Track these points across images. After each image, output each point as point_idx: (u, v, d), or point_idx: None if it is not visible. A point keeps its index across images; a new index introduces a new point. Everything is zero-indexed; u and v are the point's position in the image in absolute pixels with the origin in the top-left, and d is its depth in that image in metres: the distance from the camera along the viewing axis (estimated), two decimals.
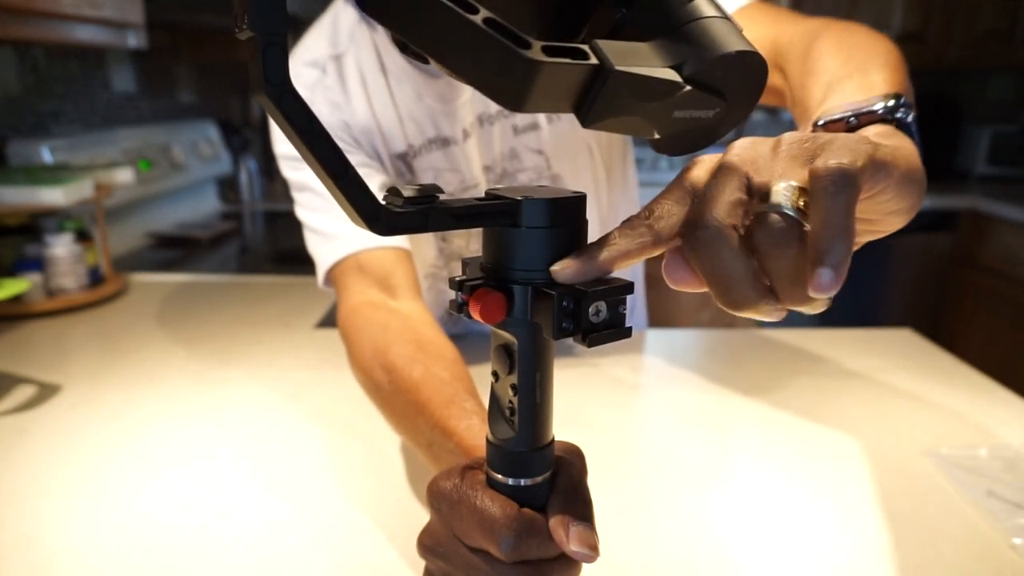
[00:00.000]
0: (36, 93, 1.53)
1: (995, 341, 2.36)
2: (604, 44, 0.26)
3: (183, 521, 0.60)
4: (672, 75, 0.27)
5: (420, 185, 0.30)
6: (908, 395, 0.84)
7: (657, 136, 0.29)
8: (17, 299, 1.13)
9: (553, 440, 0.36)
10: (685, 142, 0.30)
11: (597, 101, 0.26)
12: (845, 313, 2.65)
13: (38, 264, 1.18)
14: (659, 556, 0.56)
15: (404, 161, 0.82)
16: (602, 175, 0.89)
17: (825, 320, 2.67)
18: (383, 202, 0.28)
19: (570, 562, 0.35)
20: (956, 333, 2.54)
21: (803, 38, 0.58)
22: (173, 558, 0.55)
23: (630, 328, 0.32)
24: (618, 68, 0.25)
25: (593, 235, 0.31)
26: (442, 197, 0.30)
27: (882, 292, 2.63)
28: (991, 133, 2.84)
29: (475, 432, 0.49)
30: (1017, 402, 0.82)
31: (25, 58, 1.50)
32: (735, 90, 0.28)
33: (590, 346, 0.31)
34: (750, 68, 0.28)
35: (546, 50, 0.25)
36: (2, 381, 0.89)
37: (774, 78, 0.61)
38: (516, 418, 0.34)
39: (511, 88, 0.25)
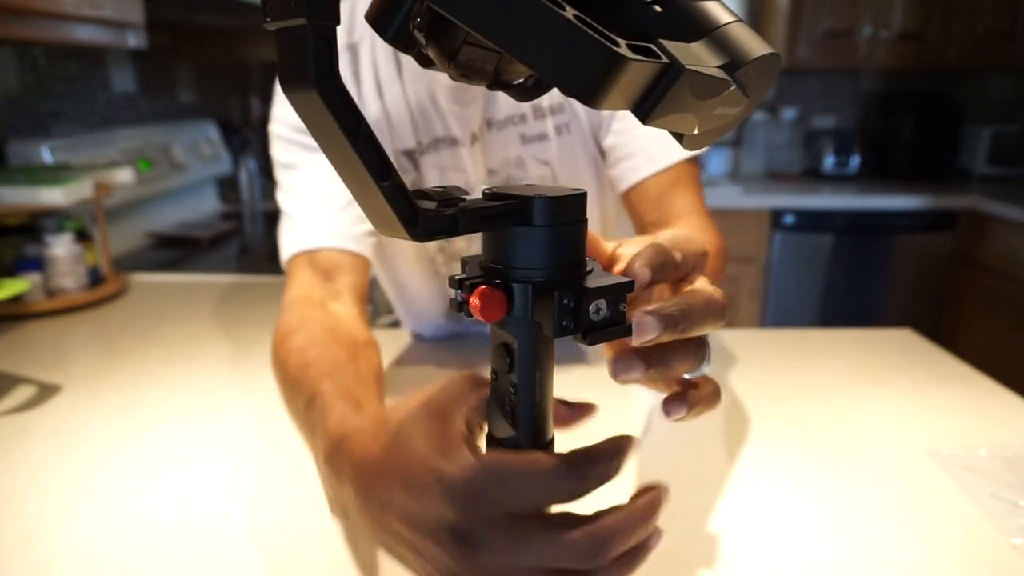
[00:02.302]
0: (36, 93, 1.53)
1: (995, 341, 2.36)
2: (666, 43, 0.27)
3: (183, 521, 0.60)
4: (724, 75, 0.28)
5: (443, 187, 0.30)
6: (908, 395, 0.84)
7: (696, 132, 0.30)
8: (17, 299, 1.13)
9: (553, 439, 0.36)
10: (708, 137, 0.32)
11: (663, 99, 0.26)
12: (845, 313, 2.65)
13: (38, 264, 1.18)
14: (659, 556, 0.56)
15: (411, 158, 0.82)
16: (608, 189, 0.89)
17: (825, 320, 2.67)
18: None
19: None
20: (956, 333, 2.54)
21: (686, 217, 0.78)
22: (173, 558, 0.55)
23: (630, 325, 0.32)
24: (688, 67, 0.26)
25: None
26: (465, 199, 0.30)
27: (882, 292, 2.63)
28: (991, 133, 2.84)
29: (333, 394, 0.47)
30: (1017, 402, 0.82)
31: (25, 58, 1.50)
32: (756, 88, 0.30)
33: (590, 344, 0.31)
34: (771, 68, 0.30)
35: (630, 48, 0.25)
36: (2, 381, 0.89)
37: (646, 219, 0.81)
38: (516, 417, 0.34)
39: (593, 84, 0.25)
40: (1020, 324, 2.25)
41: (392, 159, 0.80)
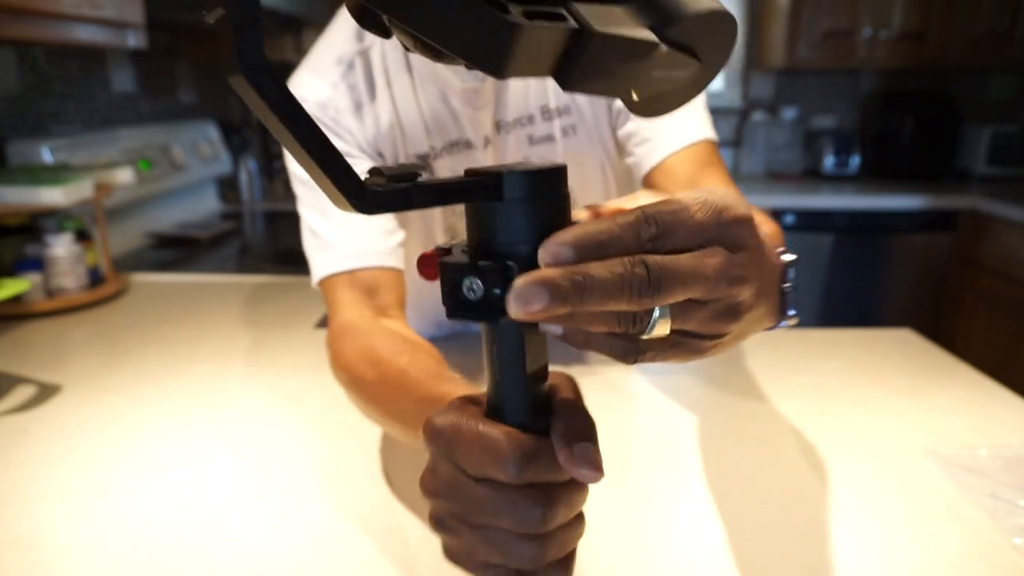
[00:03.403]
0: (36, 93, 1.53)
1: (995, 341, 2.36)
2: (580, 7, 0.26)
3: (183, 521, 0.60)
4: (650, 36, 0.27)
5: (401, 165, 0.29)
6: (908, 395, 0.84)
7: (636, 99, 0.30)
8: (17, 299, 1.13)
9: (538, 419, 0.34)
10: (662, 104, 0.31)
11: (579, 64, 0.26)
12: (845, 313, 2.65)
13: (38, 264, 1.18)
14: (659, 555, 0.56)
15: (424, 163, 0.82)
16: (613, 192, 0.89)
17: (825, 320, 2.67)
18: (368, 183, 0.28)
19: (577, 487, 0.34)
20: (956, 333, 2.54)
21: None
22: (173, 558, 0.55)
23: (497, 311, 0.29)
24: (598, 30, 0.25)
25: None
26: (423, 177, 0.30)
27: (882, 292, 2.63)
28: (991, 133, 2.84)
29: (460, 386, 0.49)
30: (1017, 402, 0.82)
31: (25, 58, 1.50)
32: (708, 50, 0.29)
33: (449, 318, 0.31)
34: (722, 28, 0.29)
35: (526, 14, 0.25)
36: (2, 381, 0.89)
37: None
38: (489, 389, 0.34)
39: (493, 53, 0.25)
40: (1020, 324, 2.25)
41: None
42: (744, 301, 0.33)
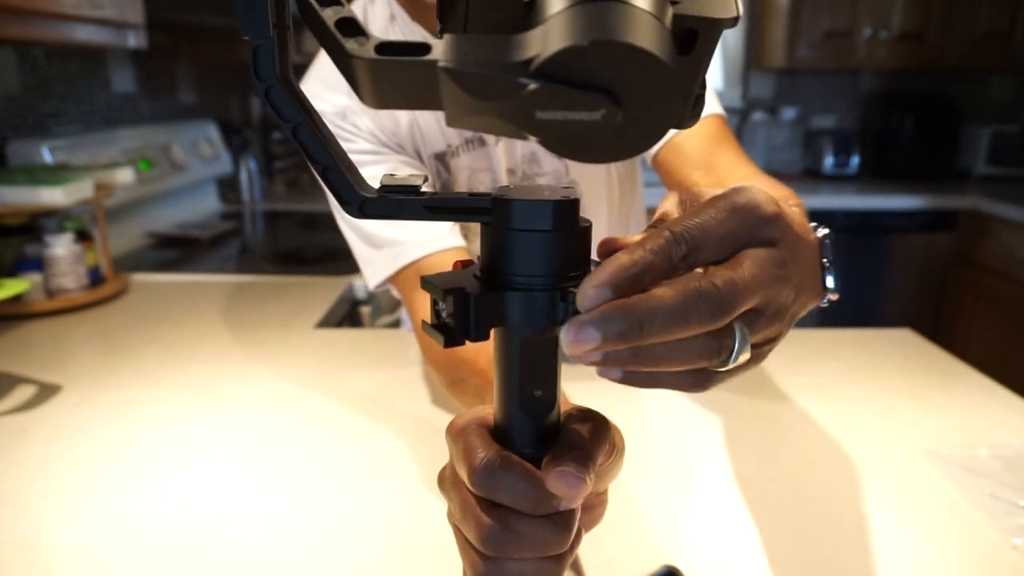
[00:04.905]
0: (36, 93, 1.53)
1: (995, 341, 2.36)
2: (454, 38, 0.24)
3: (183, 521, 0.60)
4: (514, 71, 0.22)
5: (408, 175, 0.31)
6: (908, 395, 0.84)
7: (531, 139, 0.25)
8: (17, 299, 1.13)
9: (531, 448, 0.34)
10: (584, 151, 0.24)
11: (444, 98, 0.24)
12: (845, 313, 2.65)
13: (38, 264, 1.18)
14: (658, 554, 0.56)
15: (442, 161, 0.82)
16: (616, 181, 0.90)
17: (825, 320, 2.67)
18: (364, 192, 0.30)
19: (544, 527, 0.32)
20: (956, 333, 2.54)
21: (741, 170, 0.74)
22: (173, 558, 0.55)
23: (444, 338, 0.29)
24: (441, 64, 0.23)
25: (599, 236, 0.30)
26: (424, 189, 0.31)
27: (882, 292, 2.63)
28: (991, 133, 2.84)
29: None
30: (1017, 402, 0.82)
31: (25, 58, 1.50)
32: (633, 90, 0.22)
33: (423, 330, 0.32)
34: (636, 64, 0.22)
35: (382, 47, 0.25)
36: (2, 381, 0.89)
37: (689, 179, 0.77)
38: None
39: (356, 84, 0.26)
40: (1020, 324, 2.25)
41: (427, 163, 0.81)
42: (787, 297, 0.32)
